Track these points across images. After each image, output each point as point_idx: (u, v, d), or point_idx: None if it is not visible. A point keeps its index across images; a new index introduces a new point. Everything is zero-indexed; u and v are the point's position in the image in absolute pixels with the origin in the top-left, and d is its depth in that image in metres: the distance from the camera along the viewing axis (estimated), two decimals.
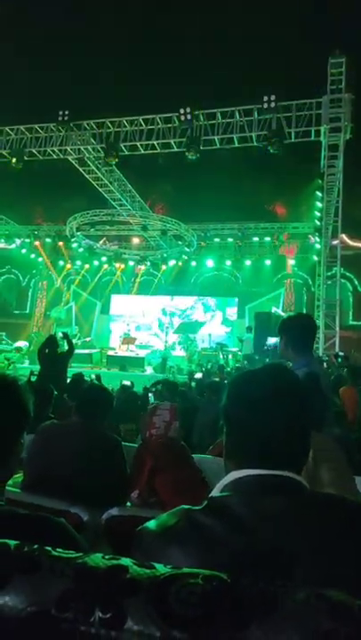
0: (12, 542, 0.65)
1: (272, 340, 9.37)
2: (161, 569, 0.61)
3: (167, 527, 0.82)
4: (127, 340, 17.87)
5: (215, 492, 0.88)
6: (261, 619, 0.54)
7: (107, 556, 0.63)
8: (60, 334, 8.31)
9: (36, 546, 0.65)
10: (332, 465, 2.06)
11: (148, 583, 0.58)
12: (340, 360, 9.17)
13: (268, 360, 8.89)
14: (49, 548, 0.65)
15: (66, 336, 7.97)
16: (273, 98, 12.09)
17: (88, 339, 18.67)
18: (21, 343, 16.77)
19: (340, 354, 10.71)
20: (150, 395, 6.02)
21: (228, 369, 11.66)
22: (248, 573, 0.72)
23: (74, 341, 17.32)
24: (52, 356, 7.10)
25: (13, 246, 20.49)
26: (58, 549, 0.66)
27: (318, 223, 14.93)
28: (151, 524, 0.86)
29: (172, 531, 0.81)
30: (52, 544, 0.67)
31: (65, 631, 0.56)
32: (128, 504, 2.05)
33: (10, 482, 2.19)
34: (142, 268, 20.49)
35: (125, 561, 0.62)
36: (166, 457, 2.04)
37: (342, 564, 0.75)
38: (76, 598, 0.57)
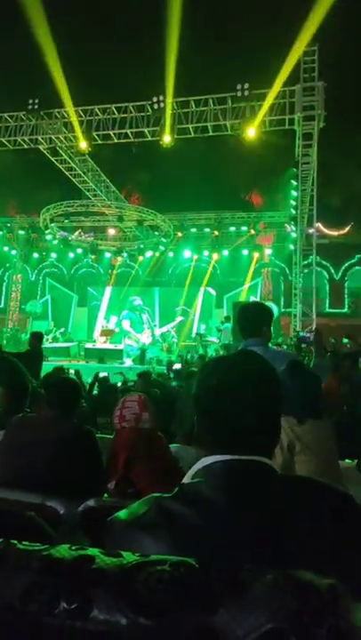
0: None
1: None
2: (128, 557, 0.60)
3: (137, 516, 0.82)
4: (106, 332, 17.76)
5: (186, 479, 0.88)
6: (229, 603, 0.54)
7: (73, 547, 0.62)
8: None
9: (1, 540, 0.64)
10: (313, 454, 2.09)
11: (114, 572, 0.57)
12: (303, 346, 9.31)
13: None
14: (14, 542, 0.64)
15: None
16: (246, 86, 12.07)
17: (62, 329, 18.51)
18: None
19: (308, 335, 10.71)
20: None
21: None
22: (219, 558, 0.72)
23: (50, 336, 17.16)
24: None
25: None
26: (24, 542, 0.64)
27: (294, 212, 15.04)
28: (122, 513, 0.85)
29: (143, 519, 0.81)
30: (21, 538, 0.65)
31: (29, 624, 0.55)
32: (105, 495, 2.04)
33: None
34: (119, 259, 20.33)
35: (92, 551, 0.61)
36: (140, 447, 2.04)
37: (312, 543, 0.76)
38: (40, 591, 0.56)
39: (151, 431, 2.16)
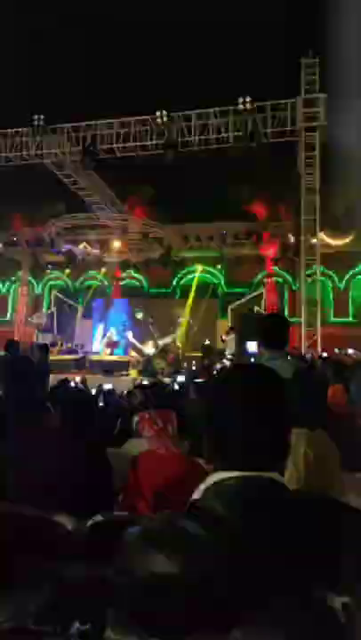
0: None
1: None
2: (142, 576, 0.60)
3: (150, 534, 0.81)
4: (111, 343, 17.76)
5: (196, 495, 0.88)
6: (244, 623, 0.54)
7: (87, 567, 0.62)
8: None
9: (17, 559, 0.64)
10: (326, 467, 2.07)
11: (128, 591, 0.57)
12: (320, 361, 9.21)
13: (253, 360, 8.95)
14: (30, 562, 0.64)
15: None
16: (248, 99, 12.20)
17: (69, 344, 18.50)
18: None
19: (324, 355, 10.76)
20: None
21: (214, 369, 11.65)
22: (234, 577, 0.72)
23: (55, 349, 17.17)
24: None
25: None
26: (37, 562, 0.65)
27: (297, 222, 15.08)
28: (134, 530, 0.84)
29: (156, 537, 0.80)
30: (33, 555, 0.65)
31: None
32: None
33: None
34: (124, 271, 20.43)
35: (106, 570, 0.62)
36: (134, 475, 2.01)
37: (324, 561, 0.75)
38: (54, 611, 0.56)
39: (151, 453, 2.12)
